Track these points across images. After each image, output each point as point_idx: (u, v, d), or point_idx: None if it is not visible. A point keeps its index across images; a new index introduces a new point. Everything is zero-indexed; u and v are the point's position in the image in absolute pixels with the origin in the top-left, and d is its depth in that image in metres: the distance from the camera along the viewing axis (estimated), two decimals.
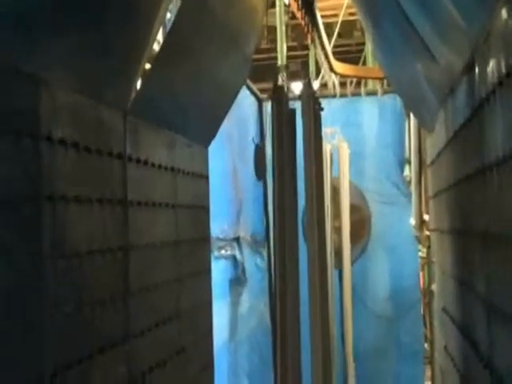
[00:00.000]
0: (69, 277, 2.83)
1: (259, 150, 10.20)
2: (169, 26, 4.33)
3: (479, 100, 2.84)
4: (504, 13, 2.33)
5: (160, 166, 4.10)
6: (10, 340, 2.35)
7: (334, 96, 11.43)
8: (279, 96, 6.73)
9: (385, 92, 11.20)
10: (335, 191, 10.20)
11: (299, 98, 7.43)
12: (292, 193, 6.75)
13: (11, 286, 2.36)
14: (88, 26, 2.84)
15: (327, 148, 9.74)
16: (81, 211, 2.95)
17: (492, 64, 2.56)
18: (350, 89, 11.90)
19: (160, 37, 4.61)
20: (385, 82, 11.20)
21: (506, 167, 2.40)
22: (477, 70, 2.92)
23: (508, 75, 2.29)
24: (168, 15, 4.60)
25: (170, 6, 4.16)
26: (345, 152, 10.25)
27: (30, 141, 2.51)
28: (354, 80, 12.14)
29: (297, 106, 7.25)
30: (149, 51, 3.63)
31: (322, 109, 7.60)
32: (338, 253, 10.24)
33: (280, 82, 7.26)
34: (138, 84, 3.65)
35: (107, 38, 3.06)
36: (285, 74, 8.47)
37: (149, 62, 3.77)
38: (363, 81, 12.23)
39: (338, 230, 10.30)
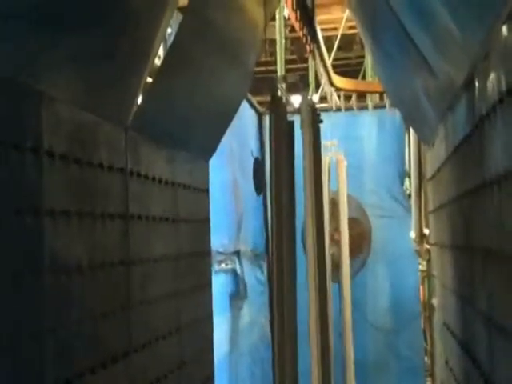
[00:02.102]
0: (70, 291, 2.83)
1: (258, 164, 10.20)
2: (170, 40, 4.35)
3: (479, 116, 2.85)
4: (504, 29, 2.34)
5: (161, 181, 4.11)
6: (10, 355, 2.35)
7: (337, 110, 11.45)
8: (277, 106, 6.73)
9: (384, 106, 11.23)
10: (334, 204, 10.19)
11: (298, 110, 7.43)
12: (290, 205, 6.75)
13: (11, 300, 2.36)
14: (89, 41, 2.85)
15: (326, 160, 9.72)
16: (82, 225, 2.96)
17: (492, 80, 2.58)
18: (346, 103, 11.92)
19: (161, 51, 4.63)
20: (384, 96, 11.23)
21: (507, 183, 2.40)
22: (477, 86, 2.93)
23: (508, 92, 2.31)
24: (169, 30, 4.63)
25: (171, 21, 4.18)
26: (342, 164, 10.25)
27: (31, 155, 2.52)
28: (354, 94, 12.16)
29: (296, 119, 7.26)
30: (150, 66, 3.64)
31: (321, 121, 7.59)
32: (338, 266, 10.22)
33: (278, 93, 7.25)
34: (139, 99, 3.67)
35: (108, 52, 3.07)
36: (283, 85, 8.48)
37: (150, 76, 3.79)
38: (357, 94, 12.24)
39: (337, 244, 10.28)
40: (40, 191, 2.59)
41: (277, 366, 6.62)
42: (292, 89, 9.22)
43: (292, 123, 6.96)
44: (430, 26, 3.38)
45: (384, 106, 11.32)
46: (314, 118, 7.23)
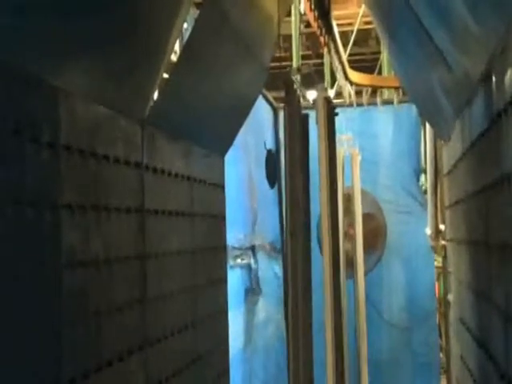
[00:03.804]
0: (86, 285, 2.85)
1: (271, 156, 10.17)
2: (186, 36, 4.36)
3: (497, 111, 2.84)
4: None
5: (177, 175, 4.12)
6: (28, 348, 2.37)
7: (350, 105, 11.41)
8: (292, 99, 6.69)
9: (400, 101, 11.18)
10: (350, 200, 10.17)
11: (313, 103, 7.41)
12: (304, 199, 6.72)
13: (29, 293, 2.37)
14: (105, 36, 2.86)
15: (340, 154, 9.67)
16: (99, 220, 2.97)
17: (510, 74, 2.56)
18: (365, 98, 11.88)
19: (177, 47, 4.63)
20: (400, 91, 11.19)
21: None
22: (494, 80, 2.91)
23: None
24: (185, 25, 4.63)
25: (187, 16, 4.18)
26: (357, 158, 10.22)
27: (49, 150, 2.53)
28: (370, 89, 12.12)
29: (311, 114, 7.24)
30: (166, 61, 3.65)
31: (336, 114, 7.55)
32: (353, 262, 10.20)
33: (293, 85, 7.22)
34: (156, 94, 3.67)
35: (124, 47, 3.08)
36: (297, 77, 8.45)
37: (166, 72, 3.79)
38: (373, 89, 12.18)
39: (352, 239, 10.26)
40: (57, 185, 2.61)
41: (291, 362, 6.62)
42: (307, 83, 9.18)
43: (306, 116, 6.93)
44: (447, 20, 3.36)
45: (392, 102, 11.29)
46: (329, 111, 7.20)
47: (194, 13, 4.72)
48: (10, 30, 2.20)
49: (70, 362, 2.67)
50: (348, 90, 11.43)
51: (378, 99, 11.57)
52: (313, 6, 7.15)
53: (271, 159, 10.16)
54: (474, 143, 3.69)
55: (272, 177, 10.20)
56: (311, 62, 15.82)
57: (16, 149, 2.31)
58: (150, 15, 3.23)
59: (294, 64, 11.97)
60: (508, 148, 2.67)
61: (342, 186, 9.71)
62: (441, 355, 10.76)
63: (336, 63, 10.40)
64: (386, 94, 11.95)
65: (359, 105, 11.48)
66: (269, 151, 10.12)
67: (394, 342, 10.86)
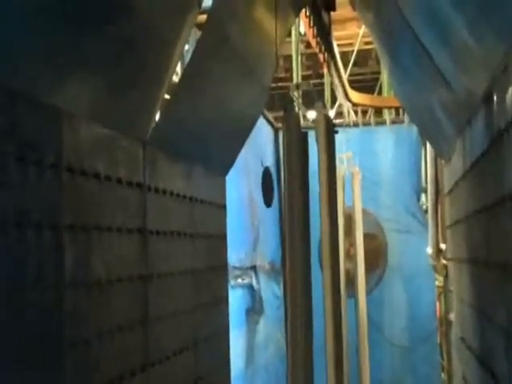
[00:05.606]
0: (88, 305, 2.84)
1: (268, 174, 10.14)
2: (187, 57, 4.38)
3: (498, 130, 2.85)
4: None
5: (178, 195, 4.12)
6: (30, 368, 2.36)
7: (349, 125, 11.45)
8: (290, 116, 6.67)
9: (400, 121, 11.23)
10: (351, 219, 10.15)
11: (313, 122, 7.41)
12: (303, 218, 6.69)
13: (32, 313, 2.37)
14: (108, 59, 2.88)
15: (340, 173, 9.65)
16: (101, 240, 2.98)
17: (511, 94, 2.57)
18: (362, 118, 11.92)
19: (179, 68, 4.65)
20: (399, 111, 11.25)
21: None
22: (495, 100, 2.92)
23: None
24: (186, 46, 4.65)
25: (189, 38, 4.20)
26: (357, 177, 10.22)
27: (51, 171, 2.54)
28: (370, 109, 12.17)
29: (311, 134, 7.25)
30: (168, 82, 3.67)
31: (336, 131, 7.55)
32: (355, 281, 10.18)
33: (292, 103, 7.22)
34: (158, 115, 3.69)
35: (127, 70, 3.10)
36: (296, 93, 8.44)
37: (168, 93, 3.81)
38: (373, 110, 12.24)
39: (353, 259, 10.24)
40: (60, 206, 2.61)
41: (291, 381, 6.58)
42: (308, 104, 9.21)
43: (305, 134, 6.92)
44: (447, 39, 3.38)
45: (385, 122, 11.40)
46: (328, 128, 7.19)
47: (195, 34, 4.75)
48: (11, 52, 2.21)
49: (73, 382, 2.66)
50: (348, 108, 11.47)
51: (372, 119, 11.64)
52: (312, 23, 7.16)
53: (268, 177, 10.15)
54: (475, 163, 3.69)
55: (268, 195, 10.18)
56: (312, 81, 15.87)
57: (19, 171, 2.32)
58: (151, 37, 3.25)
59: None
60: (509, 168, 2.68)
61: (343, 205, 9.70)
62: (442, 375, 10.71)
63: (336, 81, 10.43)
64: (387, 114, 12.00)
65: (356, 125, 11.54)
66: (265, 169, 10.11)
67: (395, 361, 10.83)
